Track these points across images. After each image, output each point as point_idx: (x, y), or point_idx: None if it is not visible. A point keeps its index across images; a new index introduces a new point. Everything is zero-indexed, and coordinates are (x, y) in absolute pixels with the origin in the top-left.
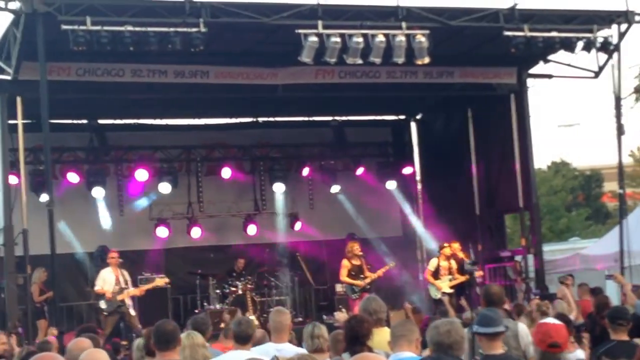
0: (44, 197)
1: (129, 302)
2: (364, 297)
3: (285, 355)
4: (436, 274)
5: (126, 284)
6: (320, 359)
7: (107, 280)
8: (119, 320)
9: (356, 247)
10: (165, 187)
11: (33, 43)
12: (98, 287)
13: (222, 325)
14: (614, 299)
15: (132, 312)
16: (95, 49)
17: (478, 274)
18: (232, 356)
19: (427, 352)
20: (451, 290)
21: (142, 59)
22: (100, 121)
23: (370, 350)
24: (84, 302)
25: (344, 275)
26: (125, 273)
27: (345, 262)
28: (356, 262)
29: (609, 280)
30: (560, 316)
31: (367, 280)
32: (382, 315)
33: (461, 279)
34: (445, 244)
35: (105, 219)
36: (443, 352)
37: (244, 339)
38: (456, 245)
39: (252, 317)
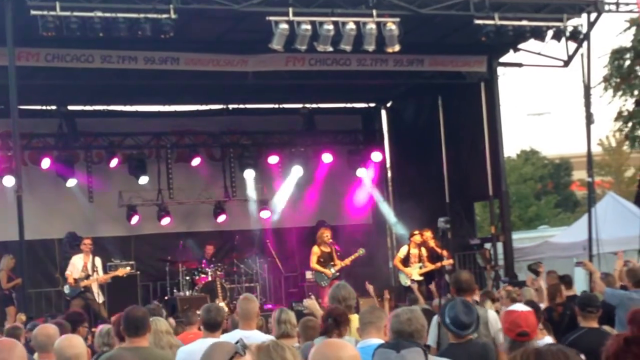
0: (12, 183)
1: (96, 289)
2: (333, 284)
3: (253, 342)
4: (406, 262)
5: (94, 271)
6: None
7: (76, 266)
8: (85, 306)
9: (327, 234)
10: (134, 174)
11: (1, 28)
12: (68, 272)
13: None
14: (583, 287)
15: (100, 299)
16: (65, 34)
17: (448, 262)
18: (202, 344)
19: None
20: (421, 278)
21: (111, 45)
22: (70, 107)
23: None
24: (53, 289)
25: (313, 262)
26: (97, 260)
27: (315, 249)
28: (326, 249)
29: (578, 267)
30: (530, 303)
31: (337, 268)
32: (351, 303)
33: (431, 266)
34: (416, 232)
35: (74, 206)
36: (404, 340)
37: (213, 327)
38: (428, 234)
39: (222, 304)
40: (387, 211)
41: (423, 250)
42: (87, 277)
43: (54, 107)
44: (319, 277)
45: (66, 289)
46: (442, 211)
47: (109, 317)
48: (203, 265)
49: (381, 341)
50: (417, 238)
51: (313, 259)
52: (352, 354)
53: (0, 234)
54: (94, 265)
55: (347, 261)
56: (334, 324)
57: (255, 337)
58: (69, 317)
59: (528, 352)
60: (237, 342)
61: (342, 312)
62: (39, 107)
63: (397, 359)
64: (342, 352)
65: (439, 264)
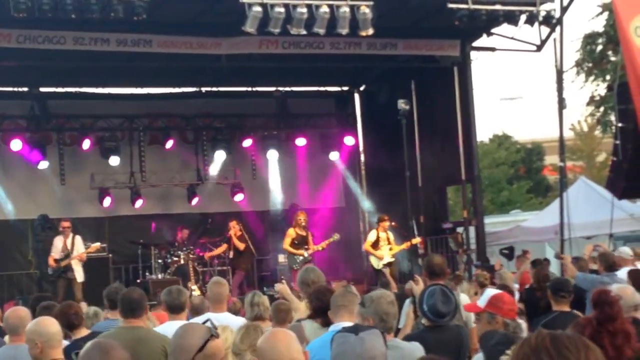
0: None
1: (77, 268)
2: (303, 268)
3: (225, 324)
4: (375, 245)
5: (73, 249)
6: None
7: (56, 246)
8: (68, 286)
9: (301, 218)
10: (107, 157)
11: None
12: (51, 254)
13: None
14: (555, 271)
15: (79, 279)
16: (37, 15)
17: (417, 240)
18: (169, 327)
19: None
20: (392, 259)
21: (84, 26)
22: (42, 89)
23: None
24: (24, 271)
25: (286, 244)
26: (78, 239)
27: (290, 231)
28: (302, 232)
29: (550, 251)
30: (503, 287)
31: (310, 252)
32: None
33: (400, 247)
34: (384, 216)
35: (46, 188)
36: (389, 323)
37: (176, 308)
38: (385, 224)
39: (195, 287)
40: (359, 195)
41: (390, 233)
42: (67, 256)
43: (25, 89)
44: (290, 260)
45: (49, 271)
46: (414, 195)
47: (84, 299)
48: (175, 249)
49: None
50: (386, 224)
51: (287, 241)
52: (297, 348)
53: None
54: (73, 243)
55: (322, 245)
56: (318, 311)
57: (226, 319)
58: (37, 299)
59: (543, 336)
60: (204, 322)
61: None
62: (10, 89)
63: (356, 341)
64: (291, 349)
65: (408, 243)
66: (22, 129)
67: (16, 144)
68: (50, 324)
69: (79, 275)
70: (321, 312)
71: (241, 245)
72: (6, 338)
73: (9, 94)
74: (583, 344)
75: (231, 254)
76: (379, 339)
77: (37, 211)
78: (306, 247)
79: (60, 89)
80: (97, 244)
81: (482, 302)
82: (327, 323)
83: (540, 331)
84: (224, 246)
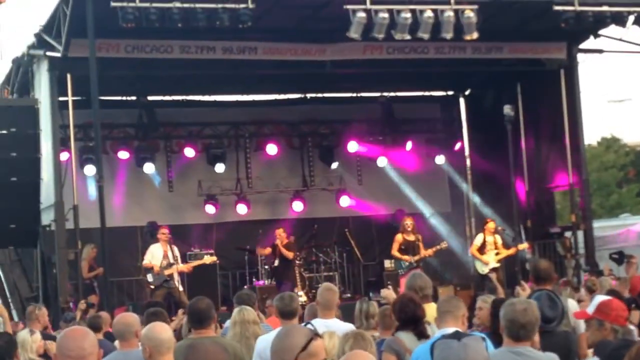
0: (93, 172)
1: (177, 277)
2: (409, 273)
3: (334, 330)
4: (482, 249)
5: (175, 260)
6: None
7: (155, 254)
8: (167, 295)
9: (407, 223)
10: (213, 163)
11: (82, 20)
12: (146, 261)
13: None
14: None
15: (180, 287)
16: (144, 25)
17: (523, 246)
18: None
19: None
20: (498, 265)
21: (190, 35)
22: (149, 97)
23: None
24: (134, 278)
25: (394, 250)
26: (175, 249)
27: (398, 237)
28: (409, 237)
29: None
30: (612, 292)
31: (416, 258)
32: (428, 292)
33: (507, 252)
34: (489, 220)
35: (154, 194)
36: (515, 330)
37: (288, 314)
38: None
39: (301, 293)
40: (466, 199)
41: (497, 237)
42: (170, 265)
43: (134, 98)
44: (397, 265)
45: (149, 277)
46: (521, 199)
47: None
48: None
49: (458, 330)
50: (491, 226)
51: (394, 247)
52: None
53: (83, 221)
54: (174, 253)
55: (430, 252)
56: (406, 322)
57: (335, 325)
58: (149, 305)
59: None
60: (305, 325)
61: (413, 309)
62: (119, 98)
63: (460, 347)
64: None
65: (514, 249)
66: (131, 137)
67: (125, 152)
68: (161, 330)
69: (179, 284)
70: (408, 324)
71: (290, 254)
72: (116, 343)
73: (118, 102)
74: None
75: (276, 263)
76: (481, 345)
77: (146, 218)
78: (414, 252)
79: (167, 97)
80: (213, 258)
81: (591, 308)
82: (418, 333)
83: None
84: (268, 249)
